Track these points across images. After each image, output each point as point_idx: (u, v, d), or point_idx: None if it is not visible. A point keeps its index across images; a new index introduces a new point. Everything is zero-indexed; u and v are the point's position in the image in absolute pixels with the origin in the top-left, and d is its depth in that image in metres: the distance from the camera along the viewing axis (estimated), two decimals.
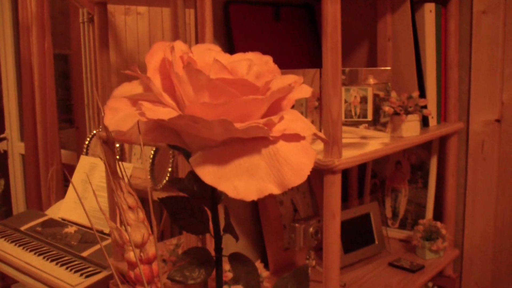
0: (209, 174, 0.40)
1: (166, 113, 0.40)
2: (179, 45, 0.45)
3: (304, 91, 0.46)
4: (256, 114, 0.42)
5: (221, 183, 0.39)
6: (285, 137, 0.41)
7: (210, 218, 0.51)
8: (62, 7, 2.30)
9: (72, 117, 2.30)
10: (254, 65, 0.45)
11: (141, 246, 0.44)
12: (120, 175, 0.44)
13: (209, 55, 0.47)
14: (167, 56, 0.43)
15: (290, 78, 0.45)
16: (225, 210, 0.54)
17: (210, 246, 0.98)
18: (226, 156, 0.40)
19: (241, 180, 0.39)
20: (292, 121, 0.43)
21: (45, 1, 2.05)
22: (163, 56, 0.44)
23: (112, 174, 0.43)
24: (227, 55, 0.48)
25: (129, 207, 0.44)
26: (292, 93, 0.45)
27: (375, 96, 1.02)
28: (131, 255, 0.43)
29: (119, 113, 0.43)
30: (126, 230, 0.43)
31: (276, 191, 0.40)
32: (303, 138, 0.42)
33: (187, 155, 0.46)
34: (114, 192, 0.44)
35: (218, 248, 0.50)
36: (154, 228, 0.42)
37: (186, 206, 0.52)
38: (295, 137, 0.42)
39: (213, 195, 0.50)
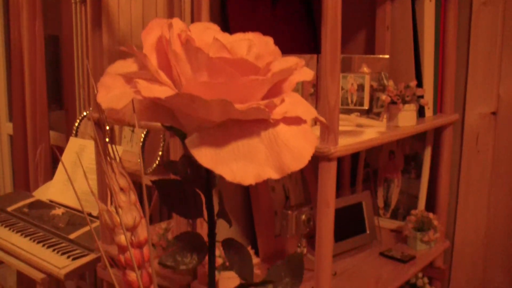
0: (205, 156, 0.38)
1: (162, 91, 0.38)
2: (177, 23, 0.43)
3: (306, 74, 0.44)
4: (256, 96, 0.40)
5: (218, 166, 0.38)
6: (286, 120, 0.40)
7: (204, 203, 0.50)
8: None
9: (61, 98, 2.27)
10: (254, 45, 0.44)
11: (132, 229, 0.42)
12: (112, 156, 0.43)
13: (208, 34, 0.45)
14: (165, 33, 0.41)
15: (292, 61, 0.43)
16: (219, 195, 0.52)
17: (201, 230, 0.97)
18: (224, 138, 0.39)
19: (239, 164, 0.38)
20: (293, 104, 0.41)
21: None
22: (160, 33, 0.43)
23: (104, 154, 0.41)
24: (227, 35, 0.46)
25: (121, 189, 0.42)
26: (293, 76, 0.44)
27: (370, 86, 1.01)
28: (122, 238, 0.41)
29: (113, 90, 0.41)
30: (117, 212, 0.42)
31: (274, 176, 0.38)
32: (304, 122, 0.40)
33: (183, 136, 0.44)
34: (106, 173, 0.42)
35: (212, 233, 0.49)
36: (146, 211, 0.40)
37: (179, 190, 0.51)
38: (296, 121, 0.40)
39: (207, 179, 0.48)
